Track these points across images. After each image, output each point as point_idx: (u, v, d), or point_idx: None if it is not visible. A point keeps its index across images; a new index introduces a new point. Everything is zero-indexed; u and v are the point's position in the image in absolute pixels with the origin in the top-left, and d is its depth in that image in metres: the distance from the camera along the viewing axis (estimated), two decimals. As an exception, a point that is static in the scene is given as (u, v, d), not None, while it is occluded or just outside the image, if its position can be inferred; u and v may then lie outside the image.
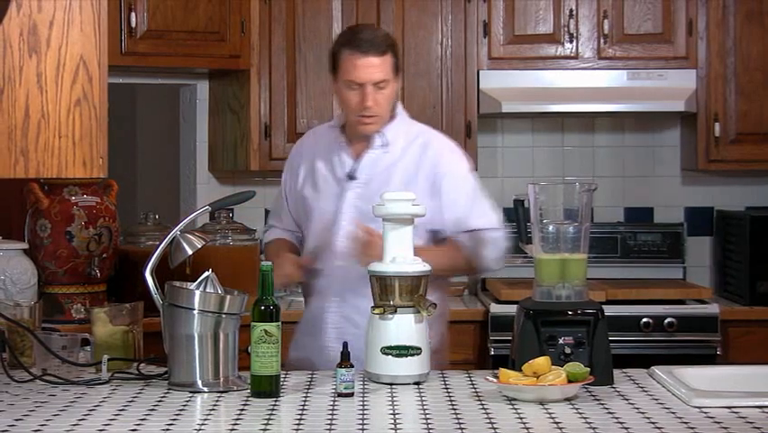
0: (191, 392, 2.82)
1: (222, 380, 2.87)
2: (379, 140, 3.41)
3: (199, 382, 2.86)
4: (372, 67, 3.31)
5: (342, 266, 3.33)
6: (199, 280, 2.91)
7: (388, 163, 3.41)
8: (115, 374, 2.96)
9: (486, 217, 3.42)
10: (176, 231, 3.03)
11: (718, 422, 2.48)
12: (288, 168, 3.62)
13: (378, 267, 2.97)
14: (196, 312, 2.87)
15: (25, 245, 3.89)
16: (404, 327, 2.93)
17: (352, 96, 3.34)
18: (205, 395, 2.80)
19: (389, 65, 3.33)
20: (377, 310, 2.93)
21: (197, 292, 2.88)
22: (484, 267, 3.49)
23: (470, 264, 3.43)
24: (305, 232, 3.55)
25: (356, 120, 3.38)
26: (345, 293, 3.37)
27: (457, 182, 3.42)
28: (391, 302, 2.93)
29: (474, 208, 3.41)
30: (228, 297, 2.90)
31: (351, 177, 3.42)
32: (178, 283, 2.95)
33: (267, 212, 4.43)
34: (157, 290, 2.95)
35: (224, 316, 2.88)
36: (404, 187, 3.31)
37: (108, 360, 2.95)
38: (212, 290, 2.90)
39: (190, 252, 3.04)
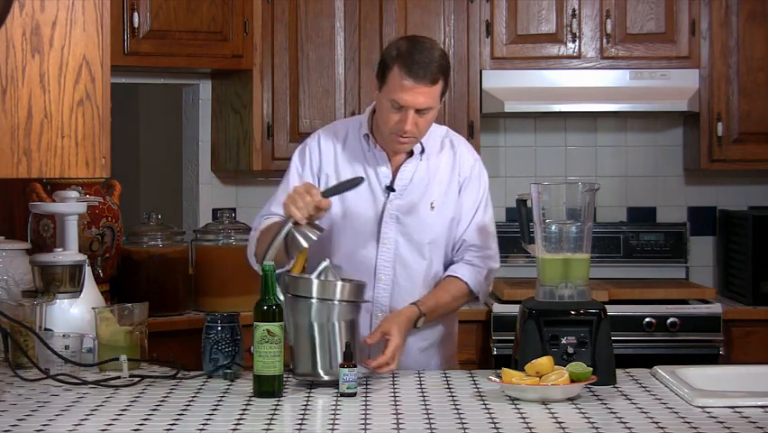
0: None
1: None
2: (416, 150, 3.31)
3: (321, 372, 2.88)
4: (420, 95, 3.11)
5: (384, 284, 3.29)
6: (318, 270, 2.91)
7: (424, 172, 3.32)
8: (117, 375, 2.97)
9: (496, 253, 3.38)
10: (289, 224, 2.95)
11: (721, 422, 2.48)
12: (304, 163, 3.38)
13: None
14: (314, 300, 2.87)
15: (28, 245, 3.88)
16: None
17: (392, 114, 3.17)
18: (206, 392, 2.80)
19: (437, 92, 3.16)
20: None
21: (316, 281, 2.88)
22: (480, 301, 3.45)
23: (469, 300, 3.39)
24: (329, 234, 3.32)
25: (390, 137, 3.23)
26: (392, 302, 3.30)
27: (479, 201, 3.36)
28: None
29: (492, 243, 3.35)
30: (347, 285, 2.91)
31: (390, 189, 3.30)
32: (296, 274, 2.94)
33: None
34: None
35: (341, 304, 2.89)
36: (443, 194, 3.30)
37: (128, 360, 2.97)
38: (332, 279, 2.91)
39: (306, 245, 2.96)
